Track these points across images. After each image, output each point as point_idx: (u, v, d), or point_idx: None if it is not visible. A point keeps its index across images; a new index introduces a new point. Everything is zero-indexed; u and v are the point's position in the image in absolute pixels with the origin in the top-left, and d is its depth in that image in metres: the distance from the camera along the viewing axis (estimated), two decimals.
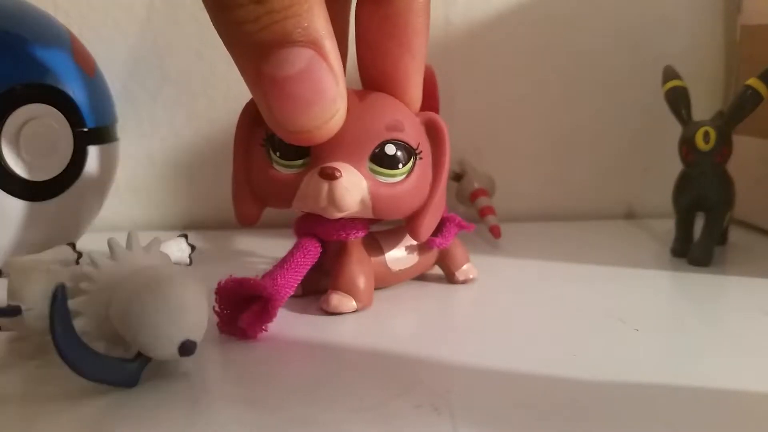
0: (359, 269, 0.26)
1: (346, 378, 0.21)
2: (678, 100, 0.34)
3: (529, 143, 0.45)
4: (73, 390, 0.20)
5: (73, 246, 0.26)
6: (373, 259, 0.28)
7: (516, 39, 0.43)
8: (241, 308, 0.24)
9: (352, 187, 0.24)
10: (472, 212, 0.39)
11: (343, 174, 0.23)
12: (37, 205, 0.30)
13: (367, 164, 0.24)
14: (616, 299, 0.28)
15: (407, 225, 0.26)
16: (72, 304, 0.19)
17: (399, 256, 0.28)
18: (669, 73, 0.35)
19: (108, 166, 0.34)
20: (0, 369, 0.22)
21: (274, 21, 0.19)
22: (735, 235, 0.39)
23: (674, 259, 0.34)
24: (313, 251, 0.26)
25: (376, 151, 0.24)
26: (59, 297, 0.18)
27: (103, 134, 0.33)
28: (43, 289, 0.21)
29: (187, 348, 0.19)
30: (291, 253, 0.26)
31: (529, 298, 0.29)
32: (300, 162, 0.24)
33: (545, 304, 0.28)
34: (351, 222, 0.26)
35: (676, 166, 0.34)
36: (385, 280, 0.28)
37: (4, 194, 0.29)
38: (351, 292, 0.26)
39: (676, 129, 0.34)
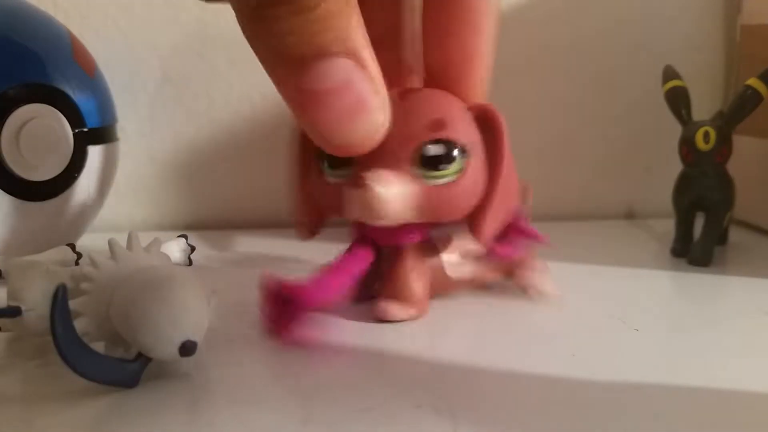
0: (413, 276, 0.25)
1: (347, 378, 0.21)
2: (678, 100, 0.34)
3: (528, 143, 0.45)
4: (73, 390, 0.20)
5: (72, 246, 0.26)
6: (430, 264, 0.26)
7: (516, 39, 0.43)
8: (285, 309, 0.23)
9: (390, 195, 0.23)
10: None
11: (378, 182, 0.22)
12: (37, 205, 0.30)
13: (411, 168, 0.23)
14: (616, 299, 0.28)
15: (469, 227, 0.25)
16: (72, 304, 0.19)
17: (458, 262, 0.27)
18: (669, 73, 0.35)
19: (108, 166, 0.34)
20: (0, 369, 0.22)
21: (314, 33, 0.19)
22: (735, 235, 0.39)
23: (674, 259, 0.34)
24: (364, 256, 0.25)
25: (418, 153, 0.23)
26: (60, 297, 0.18)
27: (103, 134, 0.33)
28: (43, 290, 0.21)
29: (187, 348, 0.19)
30: (342, 257, 0.25)
31: (529, 297, 0.29)
32: (344, 171, 0.24)
33: (545, 303, 0.28)
34: (406, 226, 0.24)
35: (676, 166, 0.34)
36: (443, 287, 0.27)
37: (4, 194, 0.29)
38: (403, 299, 0.25)
39: (676, 129, 0.34)
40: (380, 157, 0.23)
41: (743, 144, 0.36)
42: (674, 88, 0.34)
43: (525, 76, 0.44)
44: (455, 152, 0.23)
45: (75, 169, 0.31)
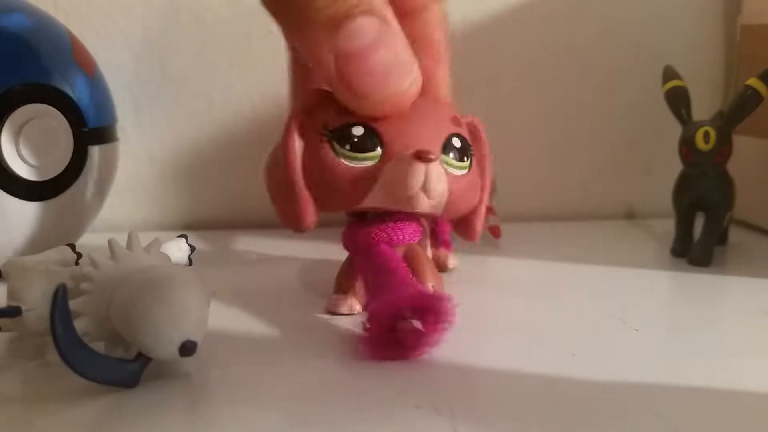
0: (431, 273, 0.26)
1: (347, 378, 0.21)
2: (678, 100, 0.34)
3: (528, 143, 0.45)
4: (73, 390, 0.20)
5: (72, 246, 0.26)
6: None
7: (516, 39, 0.43)
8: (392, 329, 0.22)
9: (442, 174, 0.23)
10: None
11: (438, 158, 0.23)
12: (37, 205, 0.30)
13: (440, 156, 0.24)
14: (616, 299, 0.28)
15: (461, 226, 0.27)
16: (72, 304, 0.19)
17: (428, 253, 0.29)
18: (669, 73, 0.35)
19: (108, 166, 0.34)
20: (0, 369, 0.22)
21: None
22: (735, 235, 0.39)
23: (674, 259, 0.34)
24: (397, 254, 0.25)
25: (448, 142, 0.24)
26: (60, 297, 0.18)
27: (103, 134, 0.33)
28: (43, 290, 0.21)
29: (187, 348, 0.19)
30: (387, 260, 0.24)
31: (529, 298, 0.29)
32: (375, 153, 0.23)
33: (545, 303, 0.28)
34: (410, 224, 0.25)
35: (676, 166, 0.34)
36: None
37: (4, 194, 0.29)
38: (439, 289, 0.25)
39: (676, 129, 0.34)
40: (414, 141, 0.23)
41: (743, 144, 0.36)
42: (674, 88, 0.34)
43: (525, 76, 0.44)
44: (469, 149, 0.25)
45: (75, 169, 0.31)
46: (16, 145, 0.29)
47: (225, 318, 0.26)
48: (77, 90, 0.31)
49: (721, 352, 0.23)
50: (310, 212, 0.25)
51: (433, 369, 0.22)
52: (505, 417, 0.18)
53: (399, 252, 0.25)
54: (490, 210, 0.38)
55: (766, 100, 0.32)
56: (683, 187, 0.34)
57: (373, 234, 0.25)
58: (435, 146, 0.24)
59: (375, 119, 0.23)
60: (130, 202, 0.43)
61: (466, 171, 0.25)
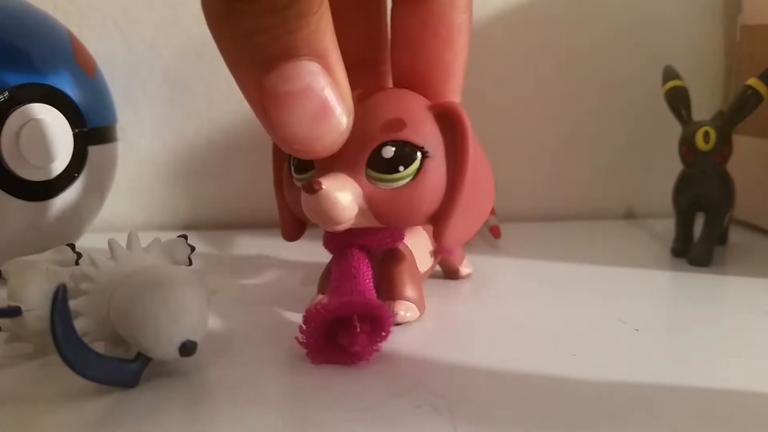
0: (411, 276, 0.25)
1: (346, 378, 0.21)
2: (678, 100, 0.34)
3: (529, 143, 0.45)
4: (73, 390, 0.20)
5: (72, 246, 0.26)
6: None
7: (516, 39, 0.43)
8: (331, 334, 0.22)
9: (340, 198, 0.22)
10: None
11: (326, 185, 0.21)
12: (37, 205, 0.30)
13: (367, 170, 0.22)
14: (616, 299, 0.28)
15: (433, 231, 0.24)
16: (72, 304, 0.19)
17: (424, 257, 0.28)
18: (669, 73, 0.35)
19: (108, 166, 0.34)
20: (0, 369, 0.22)
21: (287, 32, 0.18)
22: (735, 235, 0.39)
23: (674, 259, 0.34)
24: (367, 260, 0.24)
25: (372, 155, 0.22)
26: (60, 297, 0.18)
27: (103, 134, 0.33)
28: (43, 290, 0.21)
29: (187, 348, 0.19)
30: (350, 266, 0.24)
31: (528, 298, 0.29)
32: (306, 174, 0.23)
33: (545, 303, 0.28)
34: (386, 229, 0.25)
35: (676, 166, 0.34)
36: None
37: (4, 194, 0.29)
38: (414, 300, 0.25)
39: (676, 129, 0.34)
40: (338, 160, 0.22)
41: (743, 144, 0.36)
42: (674, 88, 0.34)
43: (525, 76, 0.44)
44: (411, 153, 0.22)
45: (75, 169, 0.31)
46: (16, 145, 0.29)
47: (225, 318, 0.26)
48: (77, 90, 0.31)
49: (721, 352, 0.23)
50: (287, 227, 0.26)
51: (433, 369, 0.22)
52: (505, 417, 0.18)
53: (378, 256, 0.25)
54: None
55: (766, 100, 0.32)
56: (683, 187, 0.34)
57: (346, 238, 0.24)
58: (356, 165, 0.22)
59: None
60: (130, 202, 0.43)
61: (407, 180, 0.22)
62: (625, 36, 0.44)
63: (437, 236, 0.23)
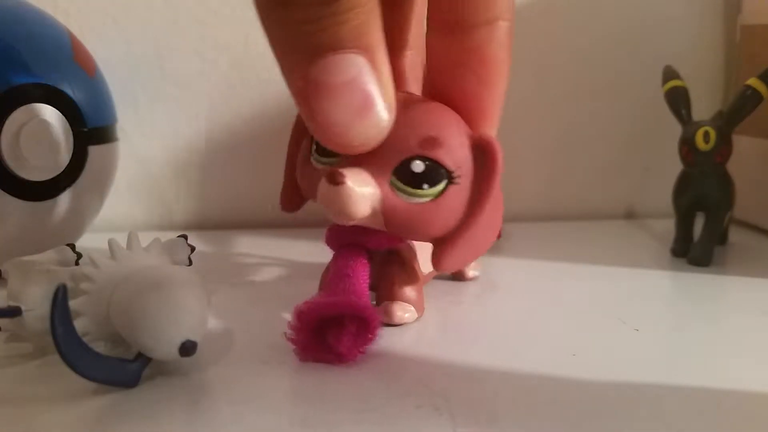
0: (411, 277, 0.25)
1: (347, 378, 0.21)
2: (678, 100, 0.34)
3: (529, 143, 0.45)
4: (73, 390, 0.20)
5: (72, 246, 0.26)
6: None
7: (516, 39, 0.43)
8: (320, 332, 0.22)
9: (359, 195, 0.21)
10: None
11: (351, 180, 0.21)
12: (37, 205, 0.30)
13: (391, 178, 0.22)
14: (616, 299, 0.28)
15: (433, 249, 0.23)
16: (72, 304, 0.19)
17: (427, 258, 0.27)
18: (669, 73, 0.35)
19: (108, 166, 0.34)
20: (0, 369, 0.22)
21: (336, 23, 0.18)
22: (735, 235, 0.39)
23: (674, 259, 0.34)
24: (365, 260, 0.24)
25: (402, 165, 0.22)
26: (60, 297, 0.18)
27: (103, 134, 0.33)
28: (43, 290, 0.21)
29: (187, 348, 0.19)
30: (346, 265, 0.24)
31: (529, 298, 0.29)
32: (330, 159, 0.23)
33: (545, 303, 0.28)
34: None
35: (676, 166, 0.34)
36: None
37: (4, 194, 0.29)
38: (412, 301, 0.25)
39: (676, 129, 0.34)
40: (365, 157, 0.21)
41: (743, 144, 0.36)
42: (674, 88, 0.34)
43: (525, 76, 0.44)
44: (439, 175, 0.22)
45: (75, 169, 0.31)
46: (16, 145, 0.29)
47: (225, 318, 0.26)
48: (77, 90, 0.31)
49: (721, 352, 0.23)
50: (290, 194, 0.26)
51: (433, 369, 0.22)
52: (505, 417, 0.18)
53: (378, 256, 0.25)
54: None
55: (766, 100, 0.32)
56: (683, 187, 0.34)
57: (349, 236, 0.24)
58: (383, 168, 0.22)
59: None
60: (130, 202, 0.43)
61: (427, 199, 0.22)
62: (625, 36, 0.44)
63: (435, 258, 0.23)
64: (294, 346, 0.22)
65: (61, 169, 0.31)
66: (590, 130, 0.45)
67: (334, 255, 0.25)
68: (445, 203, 0.22)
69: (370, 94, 0.19)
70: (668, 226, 0.36)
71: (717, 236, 0.34)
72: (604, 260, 0.34)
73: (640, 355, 0.23)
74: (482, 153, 0.22)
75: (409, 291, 0.25)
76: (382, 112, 0.20)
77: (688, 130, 0.33)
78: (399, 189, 0.22)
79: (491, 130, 0.23)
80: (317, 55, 0.19)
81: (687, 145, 0.33)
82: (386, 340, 0.24)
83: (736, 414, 0.19)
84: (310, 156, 0.24)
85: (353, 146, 0.20)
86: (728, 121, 0.33)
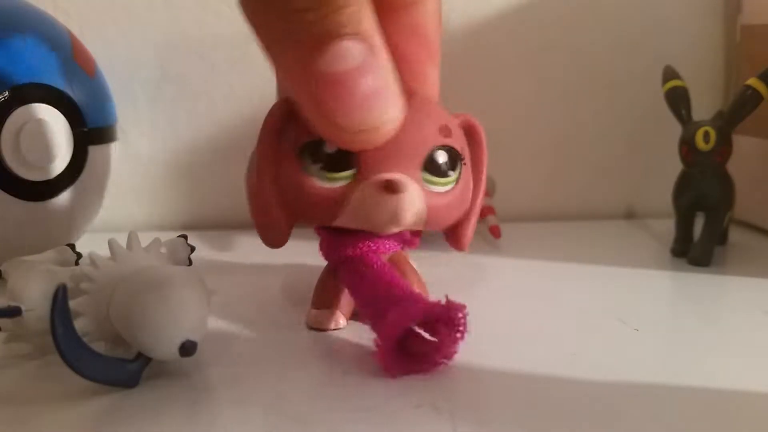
0: (416, 279, 0.25)
1: (346, 378, 0.21)
2: (678, 100, 0.34)
3: (529, 143, 0.45)
4: (73, 390, 0.20)
5: (72, 246, 0.26)
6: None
7: (516, 39, 0.43)
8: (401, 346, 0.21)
9: (418, 199, 0.21)
10: None
11: (409, 187, 0.21)
12: (37, 205, 0.30)
13: (421, 173, 0.22)
14: (616, 299, 0.28)
15: (450, 236, 0.25)
16: (72, 304, 0.19)
17: None
18: (669, 73, 0.35)
19: (108, 166, 0.34)
20: (0, 369, 0.22)
21: (334, 10, 0.18)
22: (735, 235, 0.39)
23: (674, 259, 0.34)
24: (389, 264, 0.23)
25: (429, 158, 0.22)
26: (60, 297, 0.18)
27: (103, 134, 0.33)
28: (43, 290, 0.21)
29: (187, 348, 0.19)
30: (382, 272, 0.22)
31: (528, 298, 0.29)
32: (348, 173, 0.22)
33: (545, 304, 0.28)
34: (398, 233, 0.24)
35: (676, 166, 0.34)
36: None
37: (4, 194, 0.29)
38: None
39: (676, 129, 0.34)
40: (391, 159, 0.21)
41: (743, 144, 0.36)
42: (674, 88, 0.34)
43: (525, 76, 0.44)
44: (457, 159, 0.23)
45: (75, 169, 0.31)
46: (16, 145, 0.29)
47: (225, 318, 0.26)
48: (77, 90, 0.31)
49: (721, 352, 0.23)
50: (277, 231, 0.23)
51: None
52: (505, 417, 0.18)
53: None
54: (490, 210, 0.38)
55: (766, 100, 0.32)
56: (683, 187, 0.34)
57: (359, 244, 0.23)
58: (413, 166, 0.22)
59: None
60: (130, 202, 0.43)
61: (452, 185, 0.23)
62: (625, 36, 0.44)
63: (459, 240, 0.25)
64: (384, 365, 0.20)
65: (61, 169, 0.31)
66: (590, 130, 0.45)
67: (345, 267, 0.23)
68: (464, 184, 0.24)
69: (378, 78, 0.19)
70: (668, 226, 0.36)
71: (717, 236, 0.34)
72: (604, 260, 0.34)
73: (640, 355, 0.23)
74: (469, 132, 0.24)
75: (422, 290, 0.25)
76: (393, 96, 0.20)
77: (688, 130, 0.33)
78: (430, 182, 0.22)
79: (432, 93, 0.25)
80: (322, 44, 0.18)
81: (687, 145, 0.33)
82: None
83: (736, 414, 0.19)
84: (306, 176, 0.22)
85: (371, 137, 0.20)
86: (728, 121, 0.33)
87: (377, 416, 0.18)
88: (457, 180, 0.23)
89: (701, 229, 0.34)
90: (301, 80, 0.19)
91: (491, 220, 0.38)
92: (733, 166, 0.33)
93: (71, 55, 0.32)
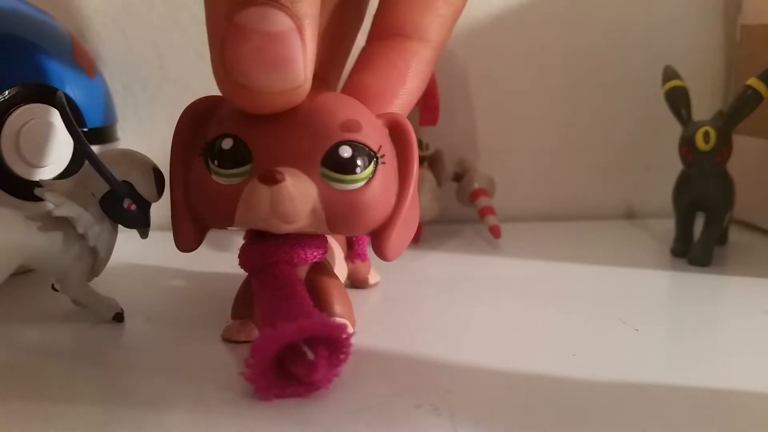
0: (339, 289, 0.23)
1: (346, 378, 0.21)
2: (678, 100, 0.34)
3: (529, 143, 0.45)
4: (73, 390, 0.20)
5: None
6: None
7: (516, 39, 0.43)
8: (277, 365, 0.19)
9: (299, 194, 0.20)
10: (472, 212, 0.39)
11: (288, 178, 0.20)
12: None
13: (319, 169, 0.21)
14: (616, 299, 0.28)
15: (372, 242, 0.22)
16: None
17: (341, 266, 0.26)
18: (669, 73, 0.35)
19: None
20: (0, 369, 0.22)
21: None
22: (735, 235, 0.39)
23: (674, 259, 0.34)
24: (298, 277, 0.22)
25: (329, 153, 0.21)
26: (60, 104, 0.22)
27: (103, 134, 0.33)
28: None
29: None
30: (284, 285, 0.21)
31: (529, 298, 0.29)
32: (241, 169, 0.21)
33: (545, 304, 0.28)
34: (313, 241, 0.23)
35: (676, 166, 0.34)
36: None
37: (5, 194, 0.29)
38: (344, 315, 0.23)
39: (676, 129, 0.34)
40: (285, 154, 0.20)
41: (743, 144, 0.36)
42: (674, 88, 0.34)
43: (525, 76, 0.44)
44: (367, 157, 0.21)
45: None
46: (16, 145, 0.29)
47: (224, 318, 0.26)
48: (77, 90, 0.31)
49: (721, 352, 0.23)
50: (186, 234, 0.23)
51: (433, 369, 0.22)
52: (505, 417, 0.18)
53: (302, 272, 0.23)
54: (490, 210, 0.38)
55: (766, 100, 0.32)
56: (683, 187, 0.34)
57: (270, 253, 0.22)
58: (309, 162, 0.21)
59: (247, 130, 0.21)
60: None
61: (362, 183, 0.21)
62: (625, 36, 0.44)
63: (380, 247, 0.22)
64: (255, 386, 0.19)
65: (61, 169, 0.31)
66: (590, 130, 0.45)
67: (257, 277, 0.22)
68: (379, 184, 0.21)
69: (294, 50, 0.19)
70: (668, 226, 0.36)
71: (717, 236, 0.34)
72: (604, 260, 0.34)
73: (640, 355, 0.23)
74: (396, 131, 0.22)
75: (339, 305, 0.23)
76: (303, 70, 0.19)
77: (688, 130, 0.33)
78: (332, 179, 0.21)
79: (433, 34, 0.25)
80: (250, 2, 0.19)
81: (687, 145, 0.33)
82: (385, 339, 0.24)
83: (736, 414, 0.19)
84: (209, 175, 0.22)
85: (265, 100, 0.20)
86: (728, 121, 0.33)
87: (377, 416, 0.18)
88: (369, 179, 0.21)
89: (701, 229, 0.34)
90: (215, 27, 0.20)
91: (491, 220, 0.38)
92: (733, 166, 0.33)
93: (71, 55, 0.32)
